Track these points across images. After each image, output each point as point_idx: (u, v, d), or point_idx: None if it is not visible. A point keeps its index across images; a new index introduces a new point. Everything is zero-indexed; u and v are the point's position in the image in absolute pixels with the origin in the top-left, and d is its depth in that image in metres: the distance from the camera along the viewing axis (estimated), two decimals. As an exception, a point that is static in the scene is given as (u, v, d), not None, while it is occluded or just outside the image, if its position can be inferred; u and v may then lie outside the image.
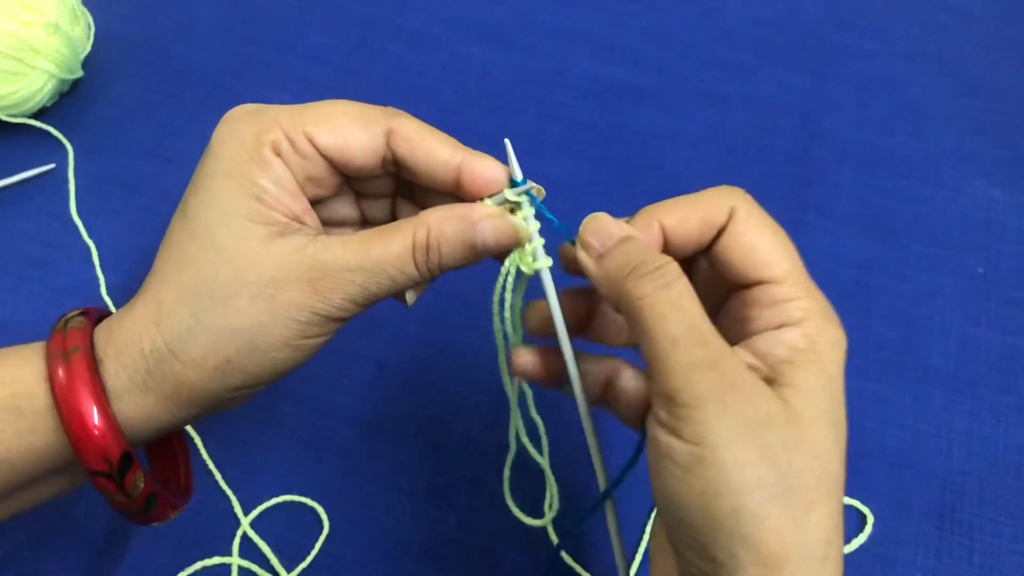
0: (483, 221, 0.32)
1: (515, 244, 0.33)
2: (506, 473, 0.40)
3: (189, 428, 0.51)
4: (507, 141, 0.34)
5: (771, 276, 0.30)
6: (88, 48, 0.67)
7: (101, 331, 0.33)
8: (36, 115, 0.65)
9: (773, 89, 0.69)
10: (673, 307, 0.28)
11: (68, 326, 0.33)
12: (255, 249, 0.32)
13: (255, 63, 0.70)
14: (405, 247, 0.32)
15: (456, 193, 0.34)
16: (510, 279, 0.34)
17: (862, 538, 0.47)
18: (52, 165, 0.63)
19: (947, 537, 0.47)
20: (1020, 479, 0.49)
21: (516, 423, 0.38)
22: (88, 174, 0.63)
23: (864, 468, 0.50)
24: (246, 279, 0.31)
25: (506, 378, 0.37)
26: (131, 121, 0.66)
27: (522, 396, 0.38)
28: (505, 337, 0.36)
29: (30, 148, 0.64)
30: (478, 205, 0.33)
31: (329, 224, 0.37)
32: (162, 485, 0.37)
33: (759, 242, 0.31)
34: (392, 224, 0.33)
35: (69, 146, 0.64)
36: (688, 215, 0.32)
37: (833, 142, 0.65)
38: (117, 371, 0.32)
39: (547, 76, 0.69)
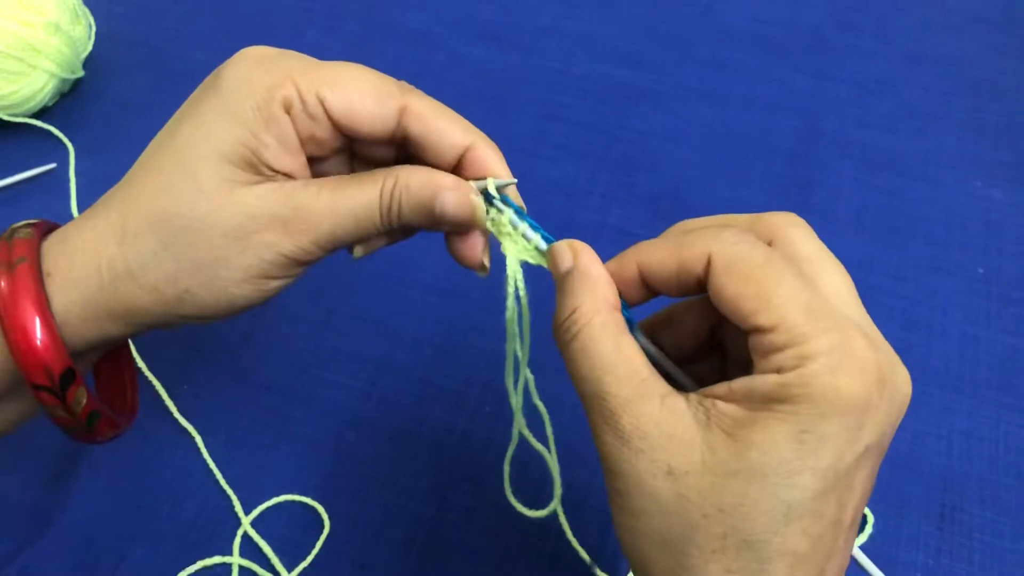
0: (448, 190, 0.33)
1: (470, 222, 0.33)
2: (506, 468, 0.40)
3: (189, 427, 0.51)
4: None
5: (760, 325, 0.27)
6: (89, 48, 0.67)
7: (53, 241, 0.33)
8: (37, 115, 0.65)
9: (773, 89, 0.69)
10: (577, 365, 0.29)
11: (15, 236, 0.33)
12: (237, 191, 0.32)
13: (255, 63, 0.70)
14: (373, 195, 0.33)
15: (457, 173, 0.34)
16: (519, 282, 0.34)
17: (862, 538, 0.47)
18: (53, 165, 0.63)
19: (947, 537, 0.47)
20: (1020, 479, 0.49)
21: (519, 422, 0.38)
22: (89, 174, 0.63)
23: (864, 468, 0.50)
24: (222, 216, 0.31)
25: (509, 372, 0.37)
26: (132, 121, 0.66)
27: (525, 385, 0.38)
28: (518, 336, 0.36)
29: (31, 148, 0.64)
30: (449, 174, 0.33)
31: (315, 175, 0.37)
32: (107, 403, 0.37)
33: (742, 291, 0.28)
34: (367, 172, 0.34)
35: (70, 146, 0.64)
36: (665, 258, 0.30)
37: (833, 142, 0.65)
38: (66, 285, 0.32)
39: (547, 76, 0.69)
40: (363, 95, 0.33)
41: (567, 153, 0.64)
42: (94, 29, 0.68)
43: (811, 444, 0.26)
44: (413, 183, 0.33)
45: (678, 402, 0.28)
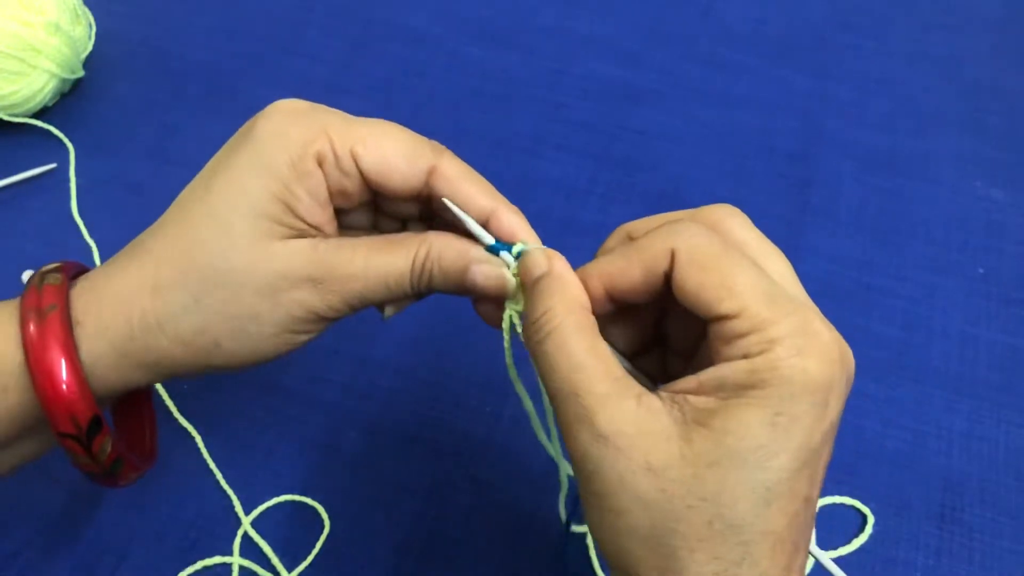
0: (479, 264, 0.33)
1: (501, 295, 0.34)
2: (562, 510, 0.39)
3: (189, 427, 0.51)
4: (448, 203, 0.34)
5: (724, 312, 0.28)
6: (89, 48, 0.67)
7: (83, 288, 0.33)
8: (37, 115, 0.65)
9: (774, 89, 0.69)
10: (550, 364, 0.29)
11: (44, 282, 0.32)
12: (271, 246, 0.32)
13: (255, 63, 0.70)
14: (406, 262, 0.33)
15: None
16: (506, 335, 0.35)
17: (862, 538, 0.47)
18: (53, 165, 0.63)
19: (947, 537, 0.47)
20: (1020, 479, 0.49)
21: (564, 467, 0.38)
22: (89, 174, 0.63)
23: (864, 468, 0.50)
24: (256, 273, 0.32)
25: (538, 428, 0.37)
26: (132, 121, 0.66)
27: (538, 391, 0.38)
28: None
29: (31, 148, 0.64)
30: (479, 248, 0.34)
31: (342, 229, 0.37)
32: (127, 446, 0.37)
33: (704, 280, 0.28)
34: (399, 236, 0.34)
35: (70, 146, 0.64)
36: (629, 266, 0.30)
37: (833, 142, 0.65)
38: (96, 334, 0.32)
39: (547, 76, 0.69)
40: (395, 153, 0.33)
41: (567, 153, 0.64)
42: (94, 29, 0.68)
43: (784, 425, 0.27)
44: (446, 256, 0.33)
45: (653, 400, 0.28)
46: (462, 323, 0.55)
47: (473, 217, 0.34)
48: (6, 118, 0.63)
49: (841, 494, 0.49)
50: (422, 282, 0.34)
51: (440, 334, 0.55)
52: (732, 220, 0.31)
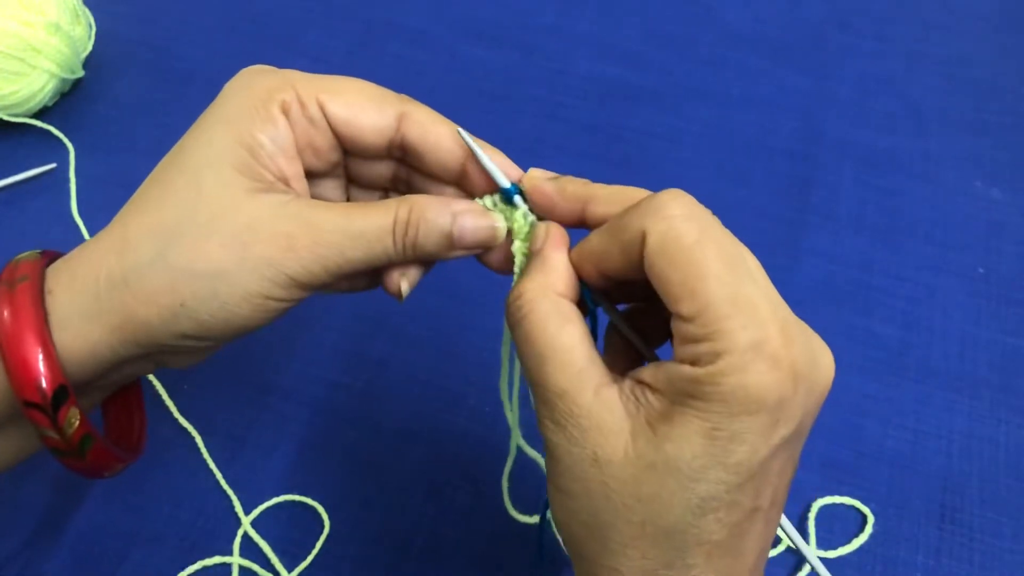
0: (464, 213, 0.33)
1: (492, 243, 0.33)
2: (504, 484, 0.40)
3: (189, 427, 0.51)
4: (463, 132, 0.34)
5: (680, 313, 0.27)
6: (89, 48, 0.67)
7: (59, 264, 0.33)
8: (37, 115, 0.65)
9: (773, 89, 0.69)
10: (520, 351, 0.30)
11: (20, 260, 0.32)
12: (238, 197, 0.31)
13: (255, 63, 0.70)
14: (386, 220, 0.32)
15: (459, 183, 0.35)
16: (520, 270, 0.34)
17: (862, 538, 0.47)
18: (53, 165, 0.63)
19: (947, 537, 0.47)
20: (1020, 479, 0.49)
21: (516, 437, 0.38)
22: (89, 174, 0.63)
23: (864, 468, 0.50)
24: (221, 223, 0.31)
25: (504, 380, 0.37)
26: (132, 121, 0.66)
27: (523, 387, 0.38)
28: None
29: (31, 148, 0.64)
30: (462, 199, 0.34)
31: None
32: (113, 441, 0.36)
33: (668, 275, 0.27)
34: (378, 201, 0.34)
35: (70, 145, 0.64)
36: (608, 249, 0.30)
37: (833, 142, 0.65)
38: (65, 300, 0.31)
39: (547, 76, 0.69)
40: (363, 102, 0.33)
41: (567, 153, 0.64)
42: (94, 29, 0.68)
43: (722, 441, 0.26)
44: (430, 210, 0.32)
45: (611, 393, 0.28)
46: (462, 323, 0.55)
47: (447, 156, 0.33)
48: (6, 118, 0.63)
49: (841, 494, 0.49)
50: (408, 242, 0.32)
51: (440, 334, 0.55)
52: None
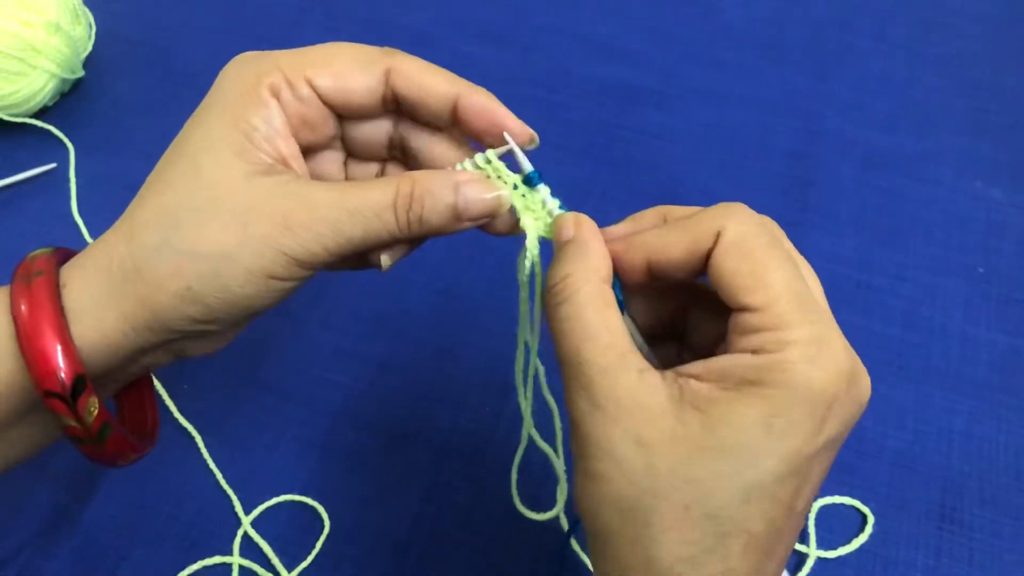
0: (467, 184, 0.33)
1: (497, 212, 0.34)
2: (513, 476, 0.40)
3: (189, 427, 0.51)
4: (508, 137, 0.34)
5: (749, 304, 0.28)
6: (89, 48, 0.67)
7: (74, 259, 0.34)
8: (37, 115, 0.65)
9: (773, 89, 0.69)
10: (560, 330, 0.30)
11: (35, 256, 0.33)
12: (236, 180, 0.32)
13: (256, 63, 0.70)
14: (387, 195, 0.32)
15: (454, 127, 0.35)
16: (536, 263, 0.34)
17: (862, 538, 0.47)
18: (53, 164, 0.63)
19: (947, 537, 0.47)
20: (1020, 479, 0.49)
21: (529, 425, 0.38)
22: (89, 173, 0.63)
23: (864, 468, 0.50)
24: (221, 205, 0.31)
25: (519, 364, 0.37)
26: (132, 120, 0.66)
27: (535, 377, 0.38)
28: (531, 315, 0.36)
29: (31, 147, 0.64)
30: (463, 170, 0.34)
31: (313, 178, 0.37)
32: (128, 428, 0.37)
33: (741, 267, 0.28)
34: (377, 178, 0.34)
35: (70, 145, 0.64)
36: (674, 241, 0.31)
37: (833, 142, 0.65)
38: (80, 292, 0.32)
39: (547, 76, 0.69)
40: (348, 67, 0.34)
41: (567, 153, 0.64)
42: (94, 29, 0.68)
43: (779, 429, 0.27)
44: (434, 184, 0.32)
45: (654, 376, 0.29)
46: (462, 323, 0.55)
47: (437, 104, 0.34)
48: (6, 118, 0.63)
49: (841, 494, 0.49)
50: (412, 217, 0.32)
51: (440, 334, 0.55)
52: (772, 224, 0.31)
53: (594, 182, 0.63)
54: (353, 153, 0.38)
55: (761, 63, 0.70)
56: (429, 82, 0.34)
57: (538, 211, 0.34)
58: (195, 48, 0.71)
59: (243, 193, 0.32)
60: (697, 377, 0.28)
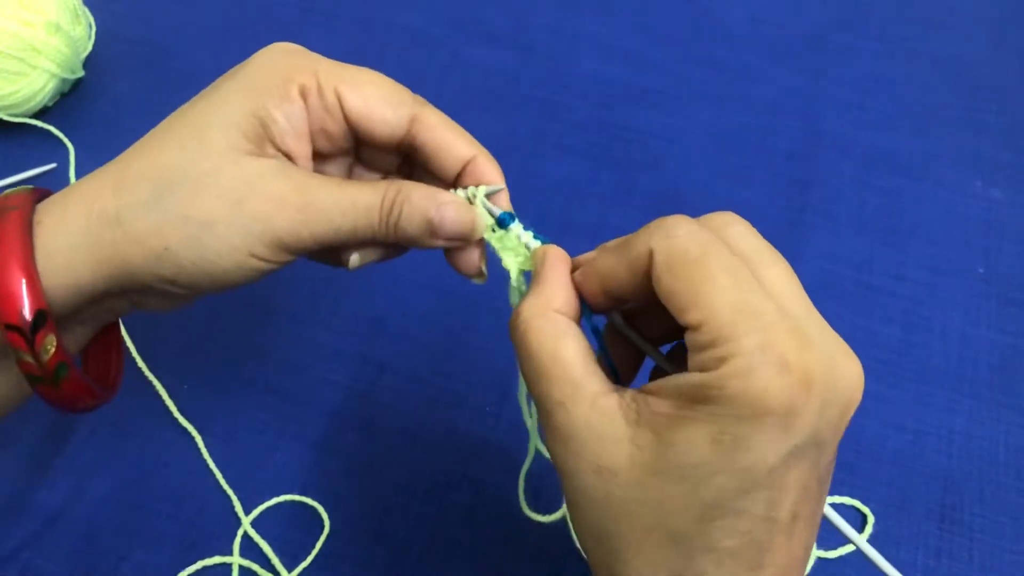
0: (447, 204, 0.34)
1: (470, 235, 0.35)
2: (521, 484, 0.40)
3: (189, 427, 0.51)
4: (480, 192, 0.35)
5: (688, 322, 0.27)
6: (89, 48, 0.67)
7: (53, 197, 0.34)
8: (37, 115, 0.65)
9: (773, 89, 0.69)
10: (521, 367, 0.30)
11: (12, 193, 0.33)
12: (239, 157, 0.32)
13: (256, 63, 0.70)
14: (376, 198, 0.33)
15: (455, 185, 0.36)
16: (517, 284, 0.35)
17: (862, 538, 0.47)
18: (53, 165, 0.63)
19: (947, 537, 0.47)
20: (1020, 479, 0.49)
21: (535, 440, 0.38)
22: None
23: (864, 468, 0.50)
24: (221, 176, 0.32)
25: (523, 399, 0.37)
26: (132, 121, 0.66)
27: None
28: None
29: (31, 148, 0.64)
30: (448, 191, 0.35)
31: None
32: (92, 375, 0.37)
33: (674, 287, 0.28)
34: (372, 180, 0.35)
35: (70, 145, 0.64)
36: (616, 265, 0.30)
37: (833, 142, 0.65)
38: (55, 231, 0.32)
39: (547, 76, 0.69)
40: (379, 98, 0.34)
41: (567, 153, 0.64)
42: (94, 29, 0.68)
43: (728, 446, 0.26)
44: (415, 194, 0.34)
45: (610, 402, 0.28)
46: (462, 323, 0.55)
47: (452, 161, 0.35)
48: (6, 118, 0.63)
49: (841, 494, 0.49)
50: (391, 220, 0.34)
51: (440, 334, 0.55)
52: (732, 228, 0.30)
53: (594, 182, 0.63)
54: (361, 162, 0.38)
55: (761, 63, 0.70)
56: (449, 139, 0.35)
57: (517, 248, 0.35)
58: (195, 48, 0.71)
59: (243, 169, 0.32)
60: (655, 394, 0.28)
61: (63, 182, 0.62)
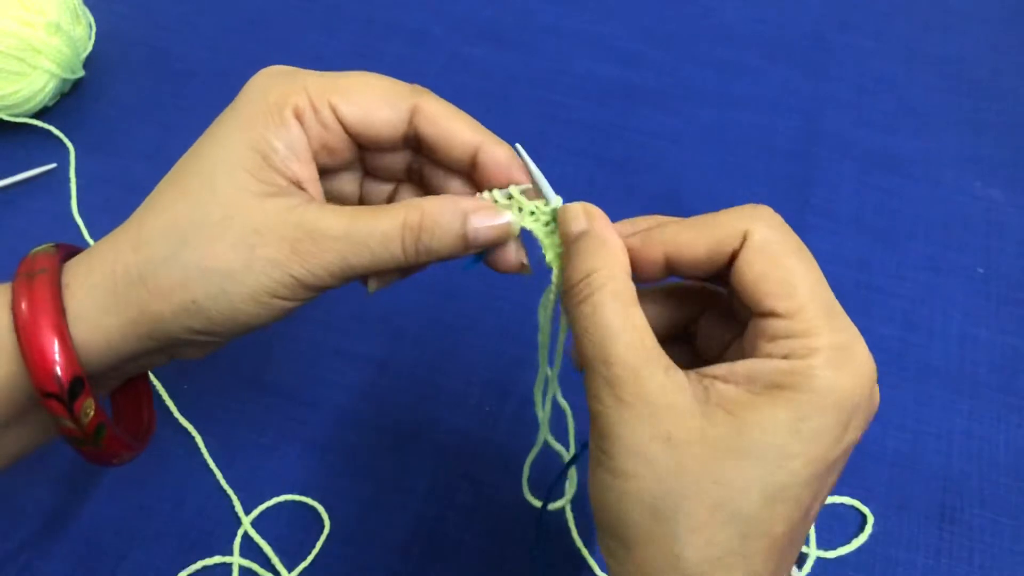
0: (475, 212, 0.33)
1: (507, 237, 0.33)
2: (526, 471, 0.40)
3: (189, 427, 0.51)
4: (521, 149, 0.34)
5: (777, 309, 0.28)
6: (89, 48, 0.67)
7: (77, 258, 0.34)
8: (37, 115, 0.65)
9: (773, 89, 0.69)
10: (584, 328, 0.29)
11: (38, 253, 0.33)
12: (248, 200, 0.32)
13: (255, 63, 0.69)
14: (394, 225, 0.32)
15: (469, 175, 0.35)
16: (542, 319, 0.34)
17: (862, 538, 0.47)
18: (53, 165, 0.63)
19: (947, 537, 0.47)
20: (1020, 479, 0.49)
21: (545, 431, 0.38)
22: (89, 173, 0.63)
23: (864, 468, 0.50)
24: (231, 225, 0.32)
25: (538, 393, 0.37)
26: (132, 121, 0.66)
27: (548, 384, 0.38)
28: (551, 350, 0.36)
29: (31, 148, 0.64)
30: (472, 198, 0.34)
31: (329, 198, 0.37)
32: (124, 430, 0.37)
33: (769, 272, 0.29)
34: (385, 205, 0.34)
35: (70, 145, 0.64)
36: (696, 238, 0.30)
37: (833, 142, 0.65)
38: (82, 293, 0.32)
39: (547, 76, 0.69)
40: (375, 100, 0.33)
41: (567, 153, 0.64)
42: (94, 29, 0.68)
43: (807, 433, 0.27)
44: (442, 214, 0.32)
45: (681, 375, 0.29)
46: (462, 322, 0.55)
47: (459, 150, 0.34)
48: (6, 118, 0.63)
49: (841, 494, 0.49)
50: (420, 248, 0.32)
51: (440, 334, 0.55)
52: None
53: (594, 182, 0.63)
54: (371, 174, 0.38)
55: (761, 63, 0.70)
56: (453, 128, 0.34)
57: (541, 214, 0.34)
58: (195, 48, 0.71)
59: (253, 215, 0.32)
60: (723, 379, 0.28)
61: (63, 182, 0.62)
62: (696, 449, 0.27)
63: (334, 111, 0.33)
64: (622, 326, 0.29)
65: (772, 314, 0.28)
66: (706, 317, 0.34)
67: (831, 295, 0.29)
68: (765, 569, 0.27)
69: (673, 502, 0.27)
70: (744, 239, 0.29)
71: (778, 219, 0.30)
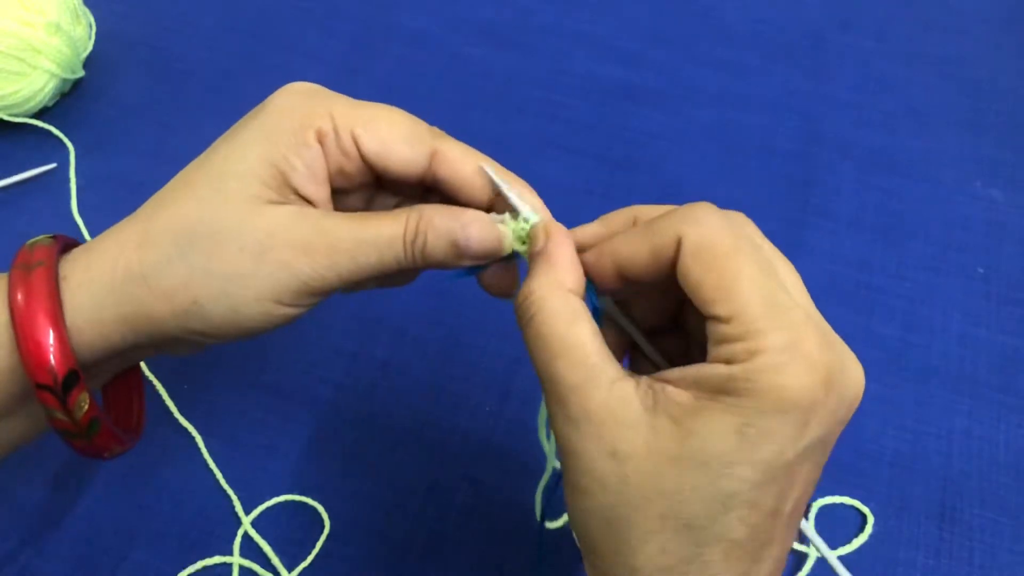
0: (472, 223, 0.33)
1: (499, 252, 0.34)
2: (538, 497, 0.40)
3: (189, 427, 0.51)
4: (490, 170, 0.34)
5: (717, 314, 0.28)
6: (89, 48, 0.67)
7: (77, 251, 0.34)
8: (37, 115, 0.65)
9: (773, 89, 0.69)
10: (530, 349, 0.30)
11: (35, 244, 0.33)
12: (260, 207, 0.32)
13: (255, 63, 0.70)
14: (397, 228, 0.33)
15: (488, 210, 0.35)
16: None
17: (862, 538, 0.47)
18: (53, 165, 0.63)
19: (947, 537, 0.47)
20: (1020, 479, 0.49)
21: (551, 461, 0.38)
22: (89, 174, 0.63)
23: (864, 468, 0.50)
24: (243, 229, 0.32)
25: (542, 426, 0.37)
26: (132, 121, 0.66)
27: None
28: None
29: (31, 148, 0.64)
30: (472, 210, 0.34)
31: (337, 209, 0.37)
32: (114, 420, 0.37)
33: (704, 278, 0.28)
34: (390, 211, 0.34)
35: (70, 146, 0.64)
36: (638, 249, 0.30)
37: (833, 142, 0.65)
38: (80, 287, 0.32)
39: (547, 76, 0.69)
40: (397, 137, 0.34)
41: (567, 153, 0.64)
42: (94, 29, 0.68)
43: (752, 438, 0.26)
44: (438, 218, 0.33)
45: (626, 387, 0.28)
46: (463, 323, 0.55)
47: (480, 193, 0.34)
48: (6, 118, 0.63)
49: (841, 494, 0.49)
50: (416, 248, 0.33)
51: (440, 334, 0.55)
52: (747, 228, 0.31)
53: (594, 182, 0.63)
54: (385, 191, 0.38)
55: (761, 63, 0.70)
56: (472, 172, 0.34)
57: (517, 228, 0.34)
58: (195, 48, 0.71)
59: (264, 219, 0.32)
60: (674, 383, 0.28)
61: (63, 182, 0.62)
62: (640, 461, 0.27)
63: (355, 140, 0.33)
64: (563, 344, 0.29)
65: (715, 318, 0.28)
66: (689, 308, 0.34)
67: (778, 289, 0.28)
68: (728, 573, 0.27)
69: (624, 513, 0.28)
70: (678, 246, 0.29)
71: (714, 216, 0.29)
